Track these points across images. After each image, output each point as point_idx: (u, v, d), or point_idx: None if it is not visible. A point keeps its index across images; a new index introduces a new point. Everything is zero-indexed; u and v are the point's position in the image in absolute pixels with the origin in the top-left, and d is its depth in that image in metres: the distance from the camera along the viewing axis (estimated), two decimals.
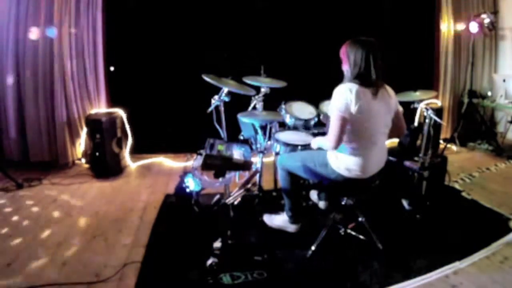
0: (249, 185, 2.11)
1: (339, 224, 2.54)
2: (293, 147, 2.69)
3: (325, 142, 2.17)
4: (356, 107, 2.01)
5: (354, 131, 2.09)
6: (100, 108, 4.01)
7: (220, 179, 2.29)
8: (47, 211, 2.96)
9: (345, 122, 2.05)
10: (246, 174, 2.38)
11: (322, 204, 2.94)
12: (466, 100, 4.68)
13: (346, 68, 2.17)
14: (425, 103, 3.11)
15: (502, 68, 4.90)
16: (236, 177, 2.61)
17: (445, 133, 4.85)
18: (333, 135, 2.07)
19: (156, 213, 2.92)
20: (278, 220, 2.64)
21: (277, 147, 2.78)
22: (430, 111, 2.99)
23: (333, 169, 2.22)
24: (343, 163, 2.17)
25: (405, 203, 2.98)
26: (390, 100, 2.20)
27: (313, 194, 3.05)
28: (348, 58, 2.13)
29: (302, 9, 4.21)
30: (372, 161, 2.20)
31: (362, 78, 2.07)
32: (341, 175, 2.21)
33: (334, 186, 2.38)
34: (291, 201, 2.56)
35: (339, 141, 2.07)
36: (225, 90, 2.60)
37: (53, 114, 3.79)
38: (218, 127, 2.72)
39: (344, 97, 2.04)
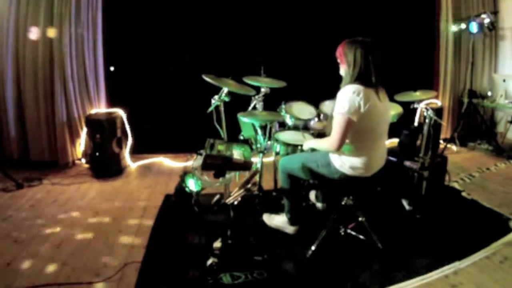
0: (249, 185, 2.10)
1: (339, 224, 2.54)
2: (293, 147, 2.69)
3: (327, 144, 2.15)
4: (365, 108, 1.99)
5: (361, 132, 2.07)
6: (100, 108, 4.01)
7: (220, 179, 2.29)
8: (47, 211, 2.96)
9: (352, 125, 2.02)
10: (246, 174, 2.38)
11: (320, 206, 2.94)
12: (466, 100, 4.68)
13: (344, 68, 2.15)
14: (425, 103, 3.11)
15: (502, 68, 4.90)
16: (236, 177, 2.61)
17: (445, 133, 4.85)
18: (337, 138, 2.04)
19: (156, 213, 2.92)
20: (278, 221, 2.64)
21: (277, 147, 2.78)
22: (430, 111, 3.00)
23: (337, 169, 2.21)
24: (348, 161, 2.16)
25: (405, 203, 2.98)
26: (387, 100, 2.22)
27: (312, 195, 3.05)
28: (347, 58, 2.10)
29: (302, 9, 4.21)
30: (376, 159, 2.21)
31: (363, 79, 2.05)
32: (345, 174, 2.20)
33: (335, 185, 2.38)
34: (290, 203, 2.55)
35: (343, 144, 2.06)
36: (225, 90, 2.60)
37: (53, 114, 3.80)
38: (218, 127, 2.72)
39: (351, 99, 2.00)
